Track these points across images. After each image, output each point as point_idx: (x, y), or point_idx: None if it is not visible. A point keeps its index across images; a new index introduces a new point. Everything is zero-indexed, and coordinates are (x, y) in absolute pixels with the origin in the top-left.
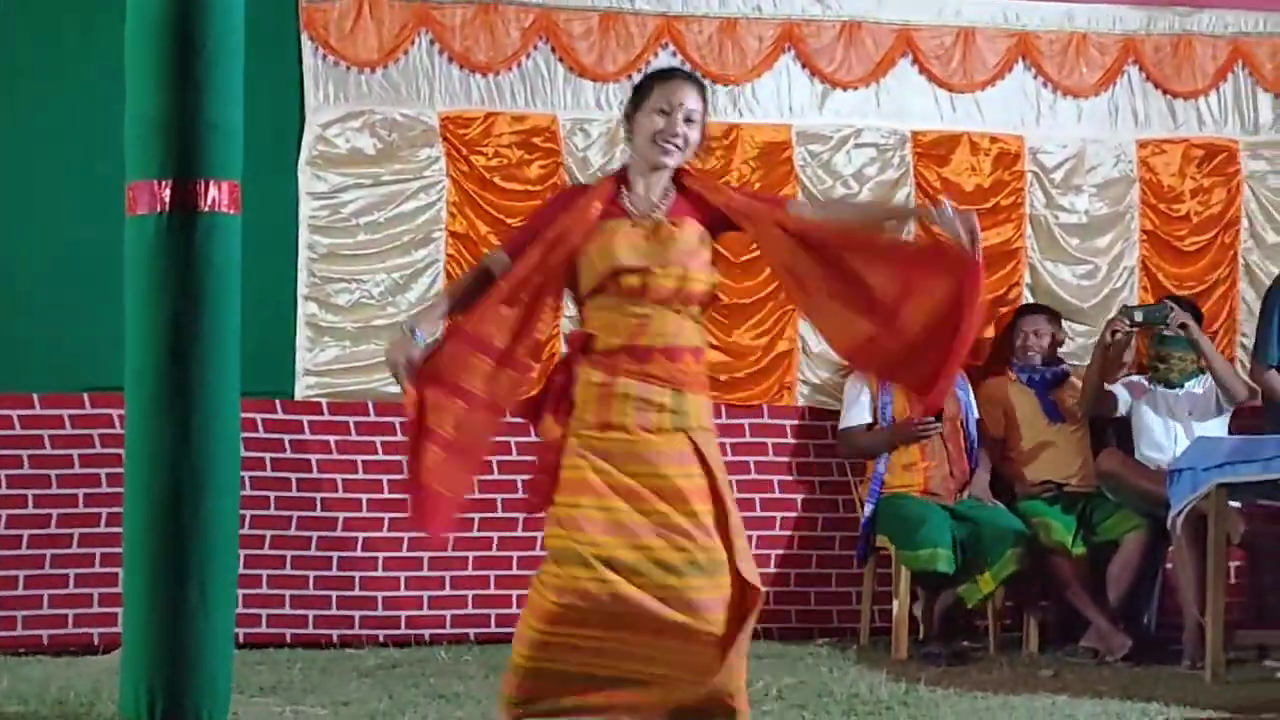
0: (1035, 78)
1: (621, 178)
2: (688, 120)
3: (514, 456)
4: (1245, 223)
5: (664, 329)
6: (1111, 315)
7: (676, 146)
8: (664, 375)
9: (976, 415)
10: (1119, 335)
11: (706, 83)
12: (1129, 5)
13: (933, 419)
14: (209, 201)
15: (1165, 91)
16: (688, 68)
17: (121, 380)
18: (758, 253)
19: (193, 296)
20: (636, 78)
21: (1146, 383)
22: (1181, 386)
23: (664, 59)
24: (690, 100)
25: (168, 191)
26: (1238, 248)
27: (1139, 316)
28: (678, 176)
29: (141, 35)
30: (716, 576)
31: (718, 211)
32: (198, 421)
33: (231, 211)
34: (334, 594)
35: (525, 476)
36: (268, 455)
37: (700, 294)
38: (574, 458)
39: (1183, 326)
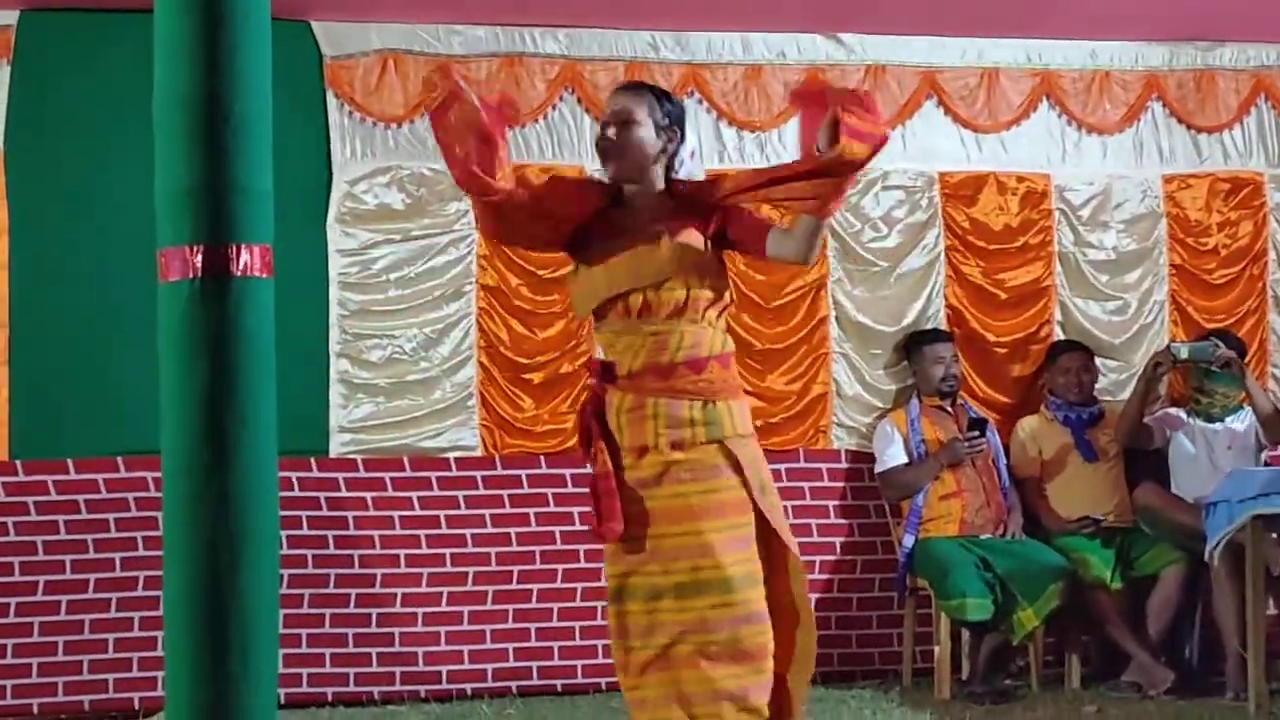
0: (1060, 116)
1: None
2: (624, 124)
3: (551, 508)
4: (1273, 254)
5: (682, 342)
6: (1155, 349)
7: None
8: (691, 389)
9: (1005, 460)
10: (1162, 370)
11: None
12: (1151, 42)
13: (977, 434)
14: (241, 266)
15: (1189, 126)
16: (712, 115)
17: (155, 443)
18: (791, 298)
19: (227, 361)
20: None
21: (1185, 415)
22: (1222, 421)
23: (690, 107)
24: (615, 103)
25: (199, 257)
26: (1266, 279)
27: (1184, 353)
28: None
29: (169, 103)
30: (733, 594)
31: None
32: (235, 487)
33: (264, 275)
34: (374, 651)
35: (559, 528)
36: (304, 514)
37: (709, 302)
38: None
39: (1227, 364)
